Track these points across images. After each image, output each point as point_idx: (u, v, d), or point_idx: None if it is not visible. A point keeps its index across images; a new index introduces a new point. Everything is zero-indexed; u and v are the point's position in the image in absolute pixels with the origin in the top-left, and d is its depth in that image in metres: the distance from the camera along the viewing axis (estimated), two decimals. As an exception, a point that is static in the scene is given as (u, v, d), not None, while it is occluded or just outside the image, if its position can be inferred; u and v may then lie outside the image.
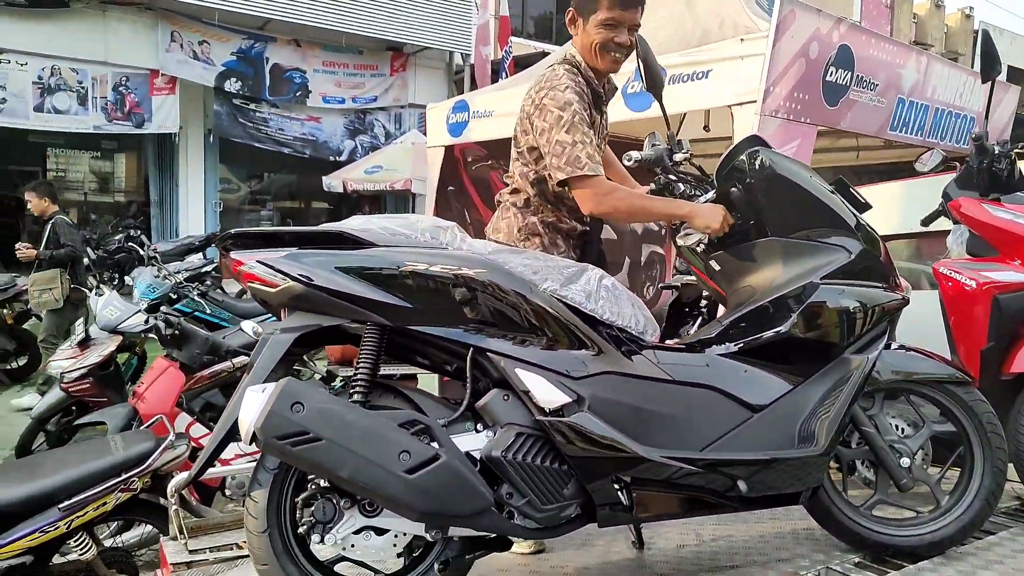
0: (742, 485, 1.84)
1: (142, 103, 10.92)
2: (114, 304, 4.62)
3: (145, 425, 3.28)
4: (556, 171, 2.09)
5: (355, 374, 1.76)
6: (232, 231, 1.78)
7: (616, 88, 2.41)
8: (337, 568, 1.77)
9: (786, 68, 3.80)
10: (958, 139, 5.29)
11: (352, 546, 1.69)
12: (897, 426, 2.19)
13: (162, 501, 2.90)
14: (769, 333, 1.95)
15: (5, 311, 6.42)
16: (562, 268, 1.90)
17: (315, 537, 1.65)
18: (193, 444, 3.16)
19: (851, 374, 1.95)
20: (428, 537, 1.70)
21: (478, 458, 1.72)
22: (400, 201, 12.19)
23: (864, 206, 2.21)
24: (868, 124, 4.56)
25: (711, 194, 2.16)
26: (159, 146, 11.95)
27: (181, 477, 2.43)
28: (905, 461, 2.06)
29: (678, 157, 2.22)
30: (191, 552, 2.26)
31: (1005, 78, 17.23)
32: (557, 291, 1.84)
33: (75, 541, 2.75)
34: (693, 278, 2.51)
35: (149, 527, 3.09)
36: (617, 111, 4.46)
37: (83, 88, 10.56)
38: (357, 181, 10.90)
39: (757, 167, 2.07)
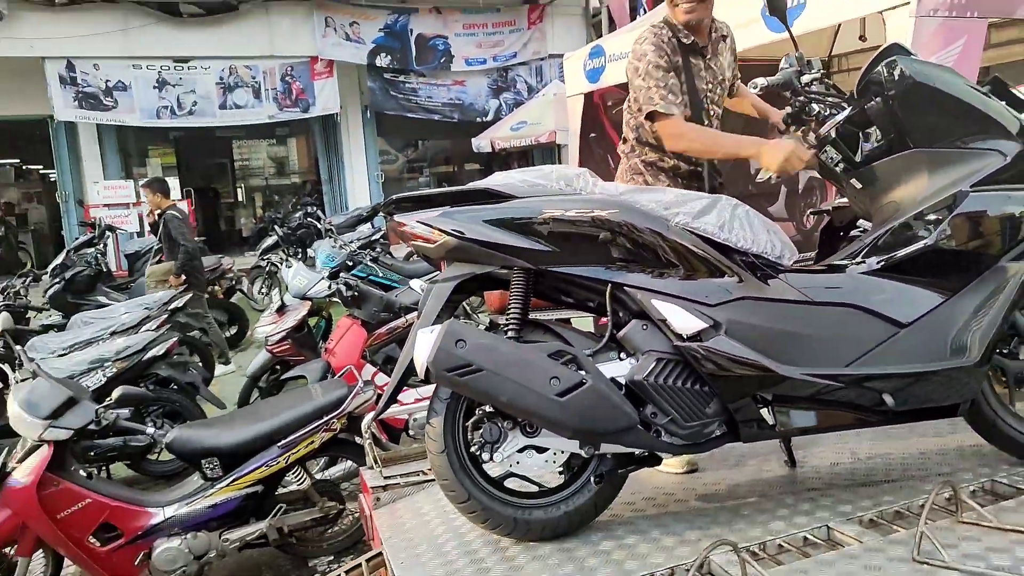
0: (889, 399, 1.86)
1: (306, 89, 11.86)
2: (301, 274, 5.21)
3: (337, 376, 3.76)
4: (638, 113, 2.46)
5: (507, 313, 1.97)
6: (394, 197, 2.03)
7: (724, 36, 2.59)
8: (507, 483, 2.02)
9: (944, -41, 3.47)
10: None
11: (517, 463, 1.92)
12: (1072, 335, 2.06)
13: (357, 440, 3.35)
14: (914, 246, 1.92)
15: (216, 288, 7.39)
16: (693, 201, 1.97)
17: (485, 455, 1.90)
18: (378, 391, 3.58)
19: (1008, 282, 1.88)
20: (583, 453, 1.89)
21: (623, 383, 1.87)
22: (547, 153, 12.36)
23: (1025, 104, 2.06)
24: (1054, 7, 4.03)
25: (847, 111, 2.12)
26: (323, 127, 12.94)
27: (372, 415, 2.80)
28: (1080, 371, 1.96)
29: (806, 78, 2.19)
30: (386, 478, 2.62)
31: None
32: (689, 224, 1.93)
33: (293, 474, 3.26)
34: (846, 200, 2.46)
35: (350, 462, 3.57)
36: (760, 35, 4.30)
37: (256, 83, 11.66)
38: (504, 139, 11.19)
39: (896, 78, 2.00)
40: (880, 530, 1.83)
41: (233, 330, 7.53)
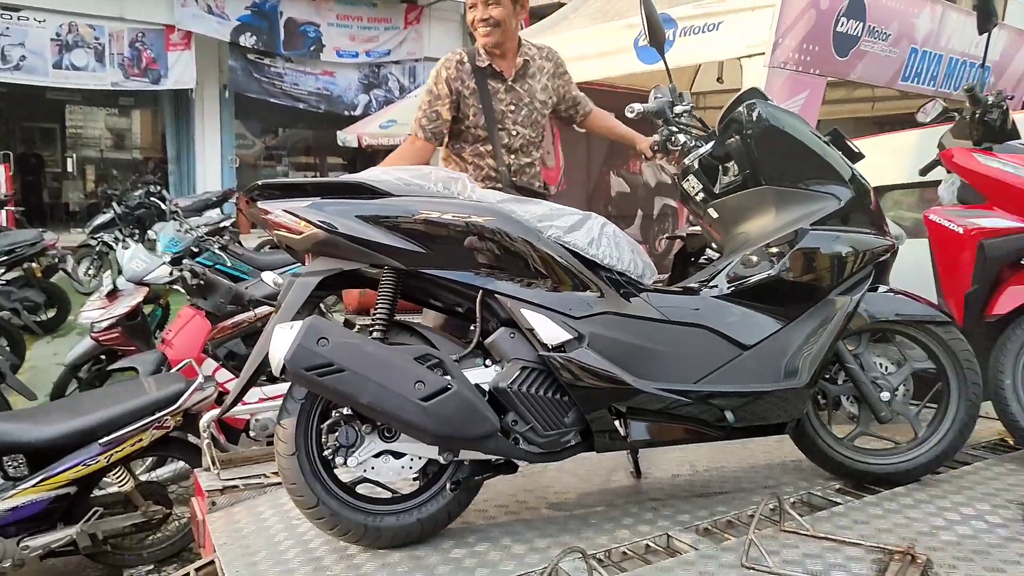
0: (729, 415, 1.99)
1: (158, 59, 10.98)
2: (139, 257, 4.79)
3: (175, 369, 3.48)
4: None
5: (374, 314, 1.91)
6: (259, 182, 1.91)
7: (526, 62, 2.66)
8: (358, 489, 1.95)
9: (796, 19, 3.83)
10: (974, 89, 5.25)
11: (372, 468, 1.86)
12: (881, 364, 2.32)
13: (191, 438, 3.12)
14: (759, 276, 2.07)
15: (34, 265, 6.64)
16: (566, 216, 2.02)
17: (339, 459, 1.82)
18: (220, 388, 3.36)
19: (835, 314, 2.08)
20: (441, 460, 1.87)
21: (486, 389, 1.87)
22: (414, 156, 12.21)
23: (857, 156, 2.30)
24: (879, 75, 4.58)
25: (710, 145, 2.26)
26: (175, 102, 12.06)
27: (213, 412, 2.62)
28: (885, 395, 2.20)
29: (678, 109, 2.32)
30: (224, 481, 2.44)
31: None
32: (561, 237, 1.97)
33: (114, 475, 2.97)
34: (699, 228, 2.62)
35: (181, 463, 3.31)
36: (630, 64, 4.52)
37: (100, 45, 10.64)
38: (372, 136, 10.95)
39: (754, 119, 2.16)
40: (713, 538, 1.95)
41: (51, 313, 6.78)
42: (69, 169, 14.07)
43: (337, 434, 1.82)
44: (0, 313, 5.49)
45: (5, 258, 6.18)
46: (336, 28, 12.25)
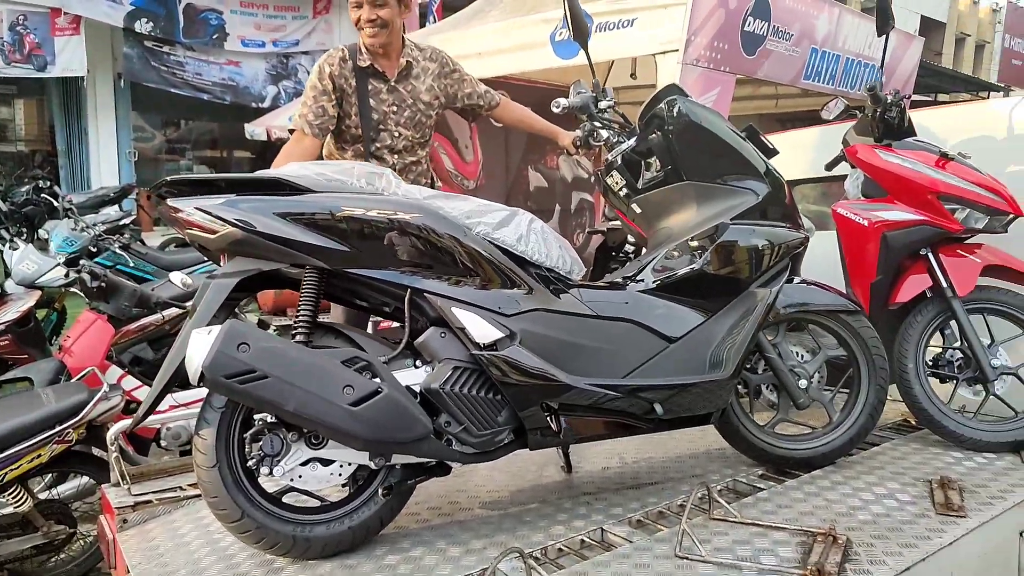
0: (658, 408, 2.02)
1: (43, 44, 10.21)
2: (30, 258, 4.48)
3: (76, 378, 3.25)
4: None
5: (297, 316, 1.83)
6: (167, 178, 1.79)
7: (409, 63, 2.66)
8: (285, 499, 1.87)
9: (707, 17, 3.94)
10: (868, 88, 5.56)
11: (299, 477, 1.79)
12: (797, 352, 2.42)
13: (96, 451, 2.92)
14: (683, 270, 2.12)
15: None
16: (494, 212, 2.00)
17: (263, 470, 1.74)
18: (127, 396, 3.16)
19: (756, 305, 2.15)
20: (372, 465, 1.82)
21: (418, 391, 1.83)
22: (326, 149, 11.88)
23: (772, 152, 2.38)
24: (783, 73, 4.78)
25: (632, 141, 2.29)
26: (65, 91, 11.26)
27: (123, 423, 2.46)
28: (803, 383, 2.30)
29: (603, 104, 2.34)
30: (135, 496, 2.30)
31: (918, 27, 17.87)
32: (489, 234, 1.95)
33: (9, 494, 2.75)
34: (619, 223, 2.65)
35: (85, 478, 3.10)
36: (546, 59, 4.53)
37: (-26, 28, 9.80)
38: (281, 129, 10.54)
39: (675, 115, 2.20)
40: (646, 530, 1.98)
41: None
42: (-57, 163, 12.93)
43: (261, 443, 1.74)
44: None
45: None
46: (240, 16, 11.73)
